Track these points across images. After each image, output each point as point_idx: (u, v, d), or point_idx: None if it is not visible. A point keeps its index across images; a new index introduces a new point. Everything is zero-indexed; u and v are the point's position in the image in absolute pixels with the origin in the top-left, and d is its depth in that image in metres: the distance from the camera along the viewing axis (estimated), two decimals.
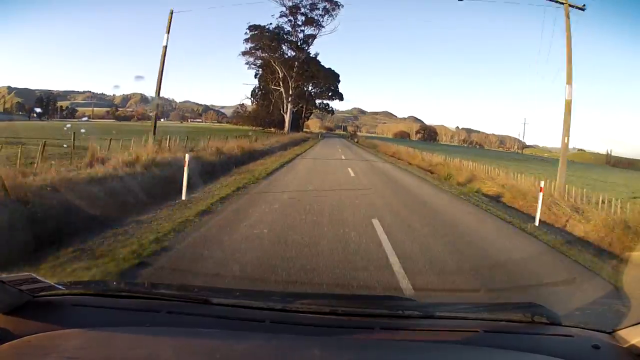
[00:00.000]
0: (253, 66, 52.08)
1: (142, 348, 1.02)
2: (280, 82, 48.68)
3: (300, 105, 54.72)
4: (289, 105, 49.34)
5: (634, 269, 4.67)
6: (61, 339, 1.03)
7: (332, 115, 67.73)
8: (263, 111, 53.20)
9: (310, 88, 57.33)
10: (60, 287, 1.26)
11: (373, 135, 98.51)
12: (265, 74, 50.52)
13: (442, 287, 3.55)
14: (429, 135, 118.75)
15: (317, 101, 61.68)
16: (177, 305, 1.25)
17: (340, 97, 62.68)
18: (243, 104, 57.57)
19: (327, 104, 62.99)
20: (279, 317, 1.21)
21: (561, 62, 9.68)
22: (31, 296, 1.17)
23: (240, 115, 57.33)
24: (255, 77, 54.53)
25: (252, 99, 55.79)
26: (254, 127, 48.26)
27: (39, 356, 0.97)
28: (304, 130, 63.27)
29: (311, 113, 66.57)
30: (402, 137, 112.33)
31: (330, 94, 60.10)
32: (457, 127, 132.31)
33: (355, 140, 59.93)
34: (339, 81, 61.30)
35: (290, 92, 49.73)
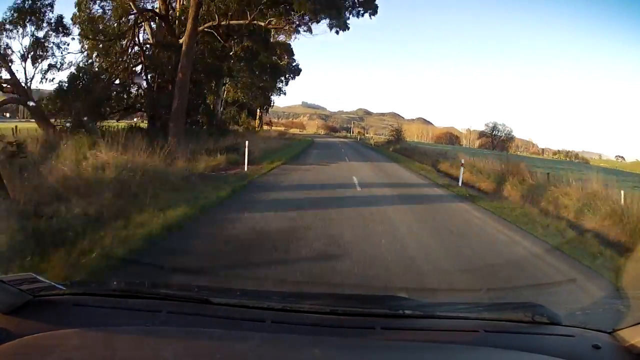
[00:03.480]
0: None
1: (142, 348, 1.02)
2: None
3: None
4: None
5: (633, 268, 4.66)
6: (61, 339, 1.03)
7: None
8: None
9: None
10: (60, 287, 1.26)
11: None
12: None
13: None
14: (498, 143, 71.50)
15: None
16: (177, 305, 1.25)
17: None
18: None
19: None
20: (279, 317, 1.21)
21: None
22: (31, 296, 1.17)
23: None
24: None
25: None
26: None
27: (39, 356, 0.97)
28: (260, 126, 29.68)
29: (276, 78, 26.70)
30: (449, 142, 77.40)
31: None
32: (469, 129, 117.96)
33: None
34: None
35: None
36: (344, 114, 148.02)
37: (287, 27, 16.69)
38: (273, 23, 15.61)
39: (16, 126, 14.27)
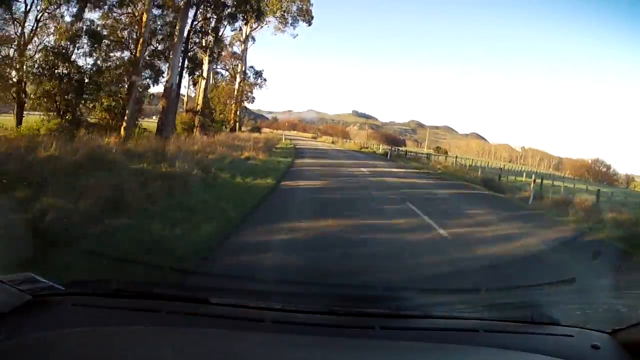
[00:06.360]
0: None
1: (142, 348, 1.02)
2: None
3: None
4: None
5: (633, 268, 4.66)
6: (61, 339, 1.03)
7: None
8: None
9: None
10: (60, 287, 1.26)
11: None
12: None
13: None
14: None
15: None
16: (177, 305, 1.25)
17: None
18: None
19: None
20: (279, 317, 1.21)
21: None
22: (31, 296, 1.17)
23: None
24: None
25: None
26: None
27: (38, 356, 0.97)
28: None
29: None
30: (595, 177, 51.15)
31: None
32: (523, 147, 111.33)
33: None
34: None
35: None
36: (395, 125, 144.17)
37: None
38: None
39: None
